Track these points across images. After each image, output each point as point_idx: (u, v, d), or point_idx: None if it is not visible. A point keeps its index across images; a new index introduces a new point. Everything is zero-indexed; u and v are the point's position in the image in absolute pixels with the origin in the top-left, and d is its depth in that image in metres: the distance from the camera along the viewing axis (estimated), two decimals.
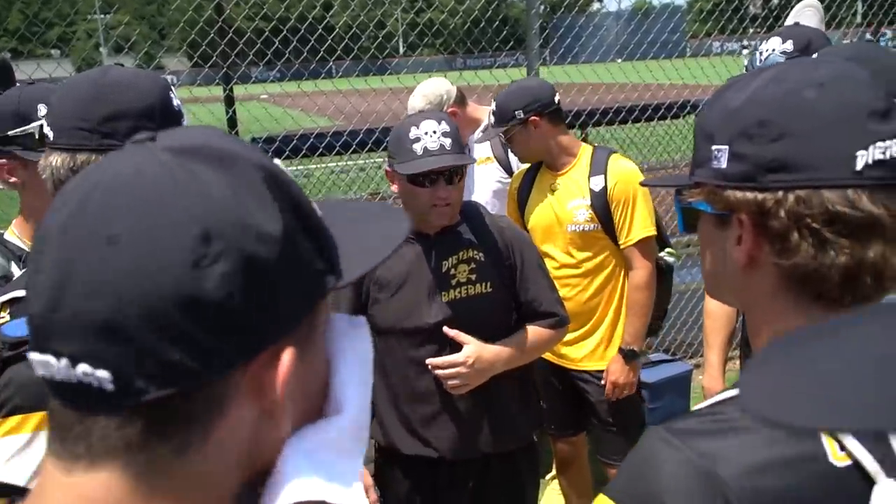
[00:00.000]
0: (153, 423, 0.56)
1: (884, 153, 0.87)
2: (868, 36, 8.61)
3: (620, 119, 6.13)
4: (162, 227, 0.54)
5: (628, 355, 3.12)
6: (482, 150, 3.70)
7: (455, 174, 2.30)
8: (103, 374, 0.53)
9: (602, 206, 3.05)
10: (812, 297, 0.91)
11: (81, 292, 0.54)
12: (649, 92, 6.31)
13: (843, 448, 0.83)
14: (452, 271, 2.37)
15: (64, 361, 0.54)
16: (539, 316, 2.48)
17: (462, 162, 2.29)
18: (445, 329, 2.29)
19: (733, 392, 0.90)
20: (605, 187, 3.05)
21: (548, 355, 3.19)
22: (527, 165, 3.32)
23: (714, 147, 0.95)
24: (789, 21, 3.14)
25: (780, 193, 0.89)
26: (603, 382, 3.16)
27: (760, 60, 2.66)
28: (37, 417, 1.28)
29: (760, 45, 2.71)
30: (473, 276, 2.38)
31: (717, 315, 2.83)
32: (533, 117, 3.05)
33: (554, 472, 3.76)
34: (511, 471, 2.52)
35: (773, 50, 2.63)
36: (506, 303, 2.44)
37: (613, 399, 3.15)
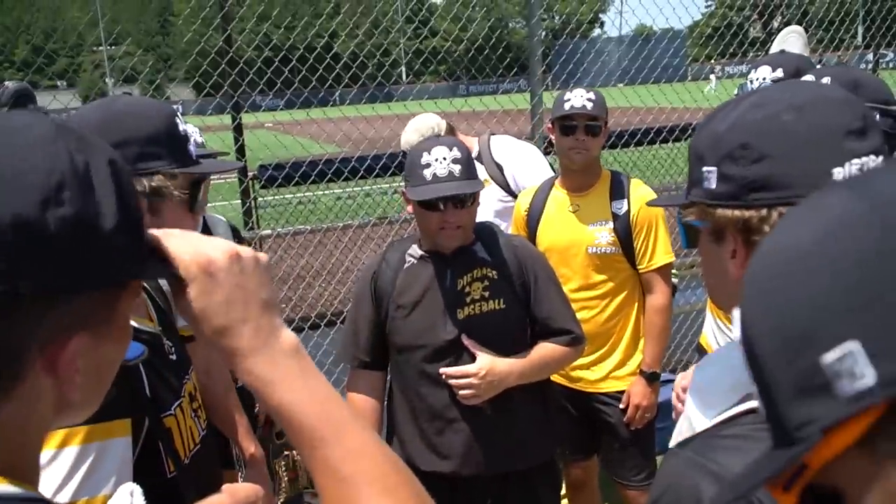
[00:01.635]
0: None
1: (860, 169, 0.93)
2: (868, 57, 8.69)
3: (623, 143, 6.21)
4: (27, 167, 0.68)
5: (650, 378, 3.13)
6: (479, 173, 3.75)
7: (465, 199, 2.35)
8: None
9: (624, 229, 3.08)
10: None
11: None
12: (651, 115, 6.39)
13: None
14: (467, 289, 2.42)
15: None
16: (554, 333, 2.51)
17: (469, 189, 2.34)
18: (463, 337, 2.35)
19: (747, 405, 0.90)
20: (629, 212, 3.08)
21: (561, 379, 3.22)
22: (535, 185, 3.34)
23: (705, 168, 1.02)
24: (774, 48, 3.21)
25: (765, 211, 0.96)
26: (623, 406, 3.16)
27: (751, 89, 2.73)
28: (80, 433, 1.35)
29: (750, 73, 2.77)
30: (487, 294, 2.43)
31: None
32: (606, 124, 3.16)
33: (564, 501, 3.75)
34: (529, 489, 2.54)
35: (765, 78, 2.70)
36: (519, 319, 2.48)
37: (637, 423, 3.15)
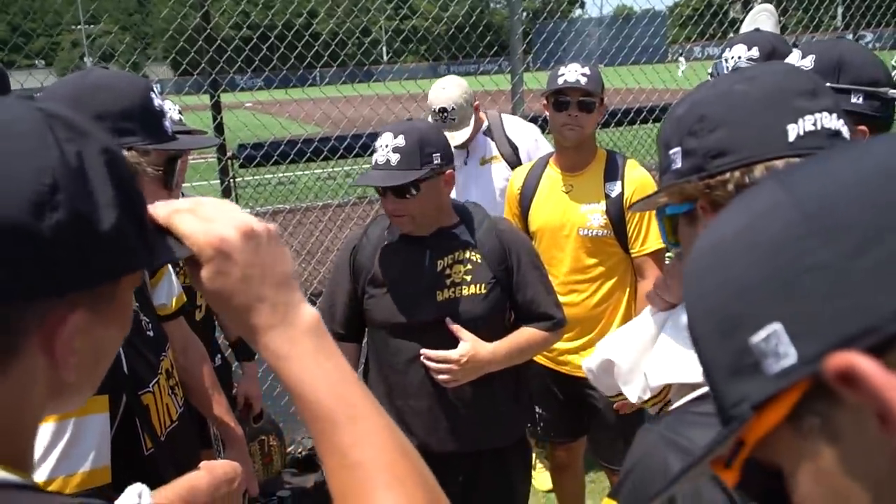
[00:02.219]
0: None
1: (814, 124, 0.95)
2: (848, 37, 8.74)
3: (603, 122, 6.23)
4: (19, 172, 0.65)
5: None
6: (490, 149, 3.66)
7: (403, 190, 2.30)
8: None
9: (617, 212, 3.00)
10: None
11: None
12: (630, 95, 6.41)
13: None
14: (448, 271, 2.42)
15: None
16: (536, 318, 2.50)
17: (392, 182, 2.27)
18: (448, 322, 2.33)
19: None
20: (622, 194, 3.00)
21: (548, 362, 3.21)
22: (529, 164, 3.28)
23: (670, 152, 1.04)
24: (746, 27, 3.15)
25: (727, 174, 0.97)
26: None
27: (726, 68, 2.69)
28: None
29: (724, 52, 2.71)
30: (469, 277, 2.42)
31: None
32: (602, 101, 3.06)
33: (550, 485, 3.74)
34: (501, 467, 2.56)
35: (740, 57, 2.66)
36: (500, 304, 2.47)
37: (625, 409, 3.06)
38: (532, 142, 3.69)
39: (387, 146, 2.29)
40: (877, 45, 13.21)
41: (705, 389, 0.89)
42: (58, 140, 0.68)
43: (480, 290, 2.42)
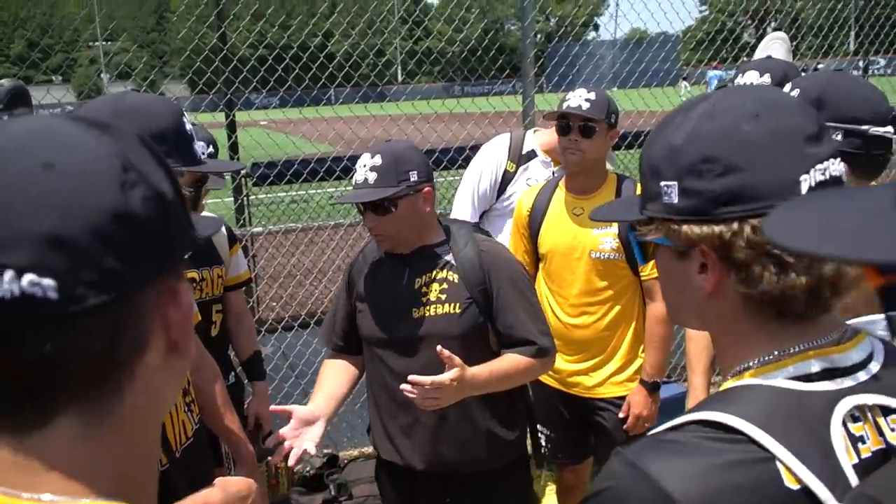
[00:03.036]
0: (90, 366, 0.64)
1: (824, 174, 0.94)
2: (859, 64, 8.76)
3: (614, 146, 6.25)
4: (89, 158, 0.65)
5: (651, 388, 3.09)
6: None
7: (380, 207, 2.32)
8: (49, 282, 0.59)
9: (629, 236, 3.02)
10: (773, 314, 0.96)
11: (25, 209, 0.61)
12: (641, 119, 6.44)
13: (794, 475, 0.84)
14: (424, 289, 2.43)
15: (9, 274, 0.59)
16: (516, 343, 2.44)
17: (368, 198, 2.30)
18: (439, 349, 2.24)
19: (690, 416, 0.92)
20: None
21: (557, 384, 3.21)
22: (537, 186, 3.29)
23: (663, 183, 0.99)
24: (759, 54, 3.17)
25: (736, 224, 0.93)
26: (623, 414, 3.11)
27: None
28: None
29: (737, 78, 2.74)
30: (444, 297, 2.42)
31: (698, 339, 2.85)
32: (613, 126, 3.07)
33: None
34: (490, 490, 2.53)
35: (752, 84, 2.69)
36: (476, 325, 2.42)
37: (636, 431, 3.09)
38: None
39: (365, 165, 2.33)
40: (888, 70, 13.21)
41: (682, 420, 0.93)
42: (103, 134, 0.69)
43: (454, 309, 2.41)
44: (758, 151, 0.94)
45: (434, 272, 2.44)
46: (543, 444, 3.36)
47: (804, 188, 0.93)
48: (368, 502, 3.98)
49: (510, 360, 2.43)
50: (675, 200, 0.98)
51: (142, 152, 0.70)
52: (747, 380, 0.95)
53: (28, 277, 0.59)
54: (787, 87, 2.03)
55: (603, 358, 3.16)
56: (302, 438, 2.30)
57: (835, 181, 0.96)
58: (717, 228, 0.95)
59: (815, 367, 0.93)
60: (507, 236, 3.37)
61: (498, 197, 3.63)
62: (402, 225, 2.38)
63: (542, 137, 3.71)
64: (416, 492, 2.54)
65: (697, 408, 0.94)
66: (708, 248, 0.96)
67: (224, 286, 3.13)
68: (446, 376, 2.22)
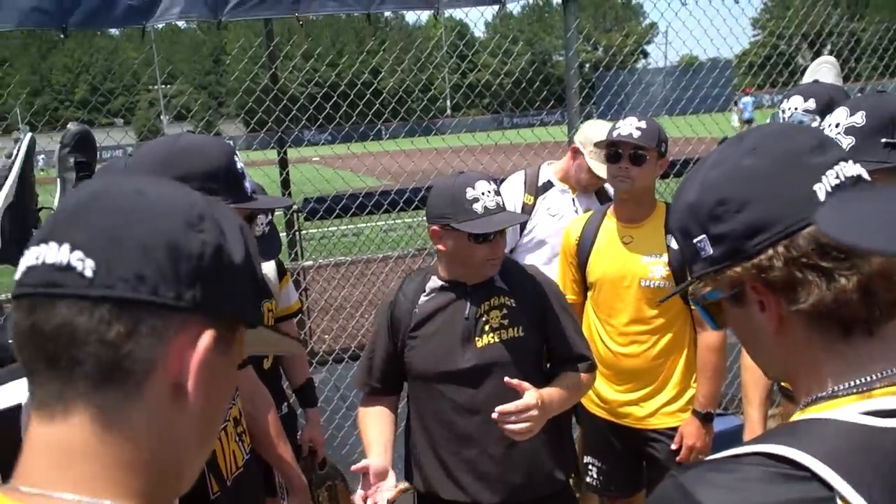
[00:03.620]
0: (102, 354, 0.71)
1: (838, 177, 0.94)
2: (879, 88, 8.58)
3: (663, 173, 6.20)
4: (177, 195, 0.78)
5: (704, 418, 3.05)
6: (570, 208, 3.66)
7: (503, 231, 2.42)
8: (90, 262, 0.71)
9: (679, 264, 2.99)
10: (839, 332, 0.93)
11: (101, 209, 0.74)
12: (690, 146, 6.39)
13: None
14: (485, 317, 2.45)
15: (66, 246, 0.72)
16: (572, 359, 2.52)
17: (521, 220, 2.43)
18: (507, 379, 2.27)
19: (754, 447, 0.90)
20: None
21: (608, 415, 3.19)
22: (585, 215, 3.29)
23: (695, 241, 1.02)
24: (807, 78, 3.14)
25: (770, 251, 0.94)
26: (675, 446, 3.08)
27: (783, 119, 2.67)
28: None
29: (783, 103, 2.72)
30: (506, 322, 2.44)
31: (754, 368, 2.75)
32: (664, 154, 3.06)
33: None
34: None
35: (796, 108, 2.64)
36: (537, 347, 2.50)
37: (688, 462, 3.04)
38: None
39: (490, 192, 2.38)
40: None
41: (744, 450, 0.89)
42: (200, 198, 0.81)
43: (518, 332, 2.44)
44: (763, 179, 0.96)
45: (493, 299, 2.47)
46: (595, 475, 3.34)
47: (821, 196, 0.93)
48: None
49: (570, 378, 2.49)
50: (711, 251, 1.00)
51: (229, 219, 0.81)
52: (818, 413, 0.92)
53: (77, 254, 0.71)
54: (845, 111, 1.99)
55: (654, 388, 3.11)
56: (380, 493, 2.31)
57: (854, 181, 0.96)
58: (754, 261, 0.95)
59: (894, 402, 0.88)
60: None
61: (521, 233, 3.64)
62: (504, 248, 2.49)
63: (555, 167, 3.72)
64: None
65: (762, 439, 0.91)
66: (752, 282, 0.96)
67: (275, 318, 3.19)
68: (530, 399, 2.24)
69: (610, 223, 3.15)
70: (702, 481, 0.87)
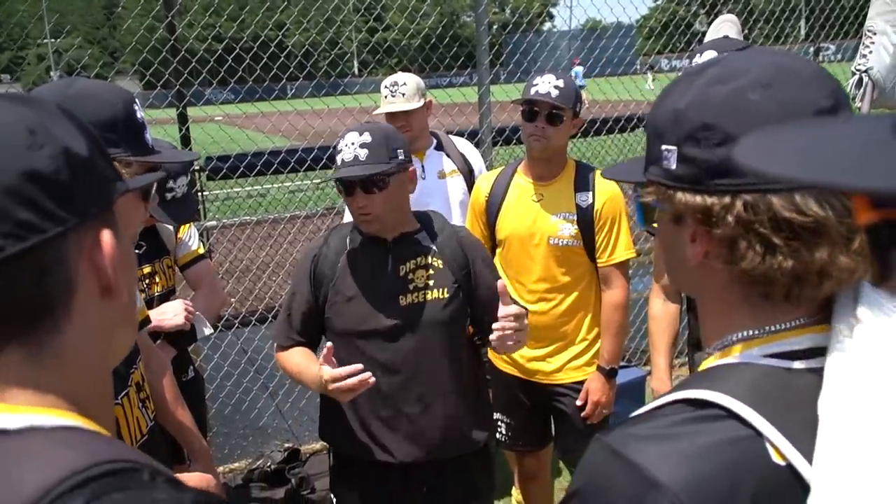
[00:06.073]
0: (22, 306, 0.73)
1: None
2: (810, 50, 8.91)
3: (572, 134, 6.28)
4: (3, 128, 0.74)
5: (608, 374, 3.12)
6: (447, 164, 3.67)
7: (371, 184, 2.31)
8: None
9: (587, 222, 3.02)
10: (760, 294, 0.92)
11: None
12: (596, 106, 6.48)
13: (780, 452, 0.82)
14: (410, 276, 2.42)
15: None
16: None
17: (366, 172, 2.28)
18: (499, 283, 2.27)
19: (674, 395, 0.90)
20: (593, 204, 3.01)
21: (516, 371, 3.23)
22: (495, 171, 3.27)
23: (664, 147, 0.95)
24: (710, 36, 3.17)
25: (728, 198, 0.88)
26: (580, 402, 3.14)
27: None
28: None
29: (695, 58, 2.74)
30: (431, 282, 2.42)
31: (660, 318, 2.89)
32: (577, 114, 3.05)
33: (518, 494, 3.76)
34: (466, 475, 2.56)
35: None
36: (462, 309, 2.48)
37: (594, 418, 3.13)
38: (481, 160, 3.80)
39: (353, 143, 2.31)
40: (838, 56, 13.47)
41: (665, 399, 0.90)
42: (16, 104, 0.78)
43: (443, 294, 2.42)
44: (759, 124, 0.86)
45: (419, 258, 2.43)
46: (504, 431, 3.39)
47: None
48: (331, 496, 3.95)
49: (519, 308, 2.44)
50: (673, 167, 0.94)
51: (57, 118, 0.78)
52: (730, 358, 0.92)
53: None
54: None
55: (561, 344, 3.17)
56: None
57: None
58: (707, 200, 0.90)
59: (802, 344, 0.90)
60: None
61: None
62: (391, 204, 2.37)
63: None
64: (393, 487, 2.48)
65: (679, 388, 0.91)
66: (695, 222, 0.92)
67: (180, 267, 3.06)
68: (513, 308, 2.25)
69: (521, 181, 3.16)
70: (629, 438, 0.87)
